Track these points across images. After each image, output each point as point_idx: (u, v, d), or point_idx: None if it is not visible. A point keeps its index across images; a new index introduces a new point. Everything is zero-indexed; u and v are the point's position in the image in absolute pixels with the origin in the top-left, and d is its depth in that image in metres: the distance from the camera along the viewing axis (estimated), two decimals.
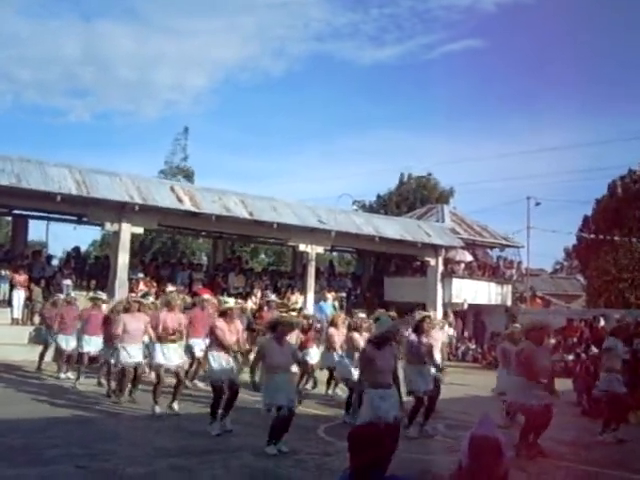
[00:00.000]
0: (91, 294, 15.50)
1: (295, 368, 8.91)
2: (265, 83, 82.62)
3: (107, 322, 12.82)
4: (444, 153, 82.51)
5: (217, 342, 9.64)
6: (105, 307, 14.04)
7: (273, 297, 18.58)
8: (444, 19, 78.74)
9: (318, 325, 17.35)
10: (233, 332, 9.79)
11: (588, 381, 13.01)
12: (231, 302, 11.07)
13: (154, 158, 78.35)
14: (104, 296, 14.87)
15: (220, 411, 9.55)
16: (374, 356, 7.71)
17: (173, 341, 10.87)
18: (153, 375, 11.46)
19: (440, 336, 12.12)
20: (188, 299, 14.11)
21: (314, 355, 13.82)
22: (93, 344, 13.58)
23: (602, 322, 18.69)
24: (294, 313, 13.96)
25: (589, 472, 8.44)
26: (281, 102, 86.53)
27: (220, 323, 9.80)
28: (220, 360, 9.52)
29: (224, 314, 9.97)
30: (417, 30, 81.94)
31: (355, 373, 11.13)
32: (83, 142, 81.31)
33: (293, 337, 11.13)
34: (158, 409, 10.55)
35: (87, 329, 13.69)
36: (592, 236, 35.23)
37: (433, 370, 10.35)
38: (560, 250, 51.92)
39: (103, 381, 13.20)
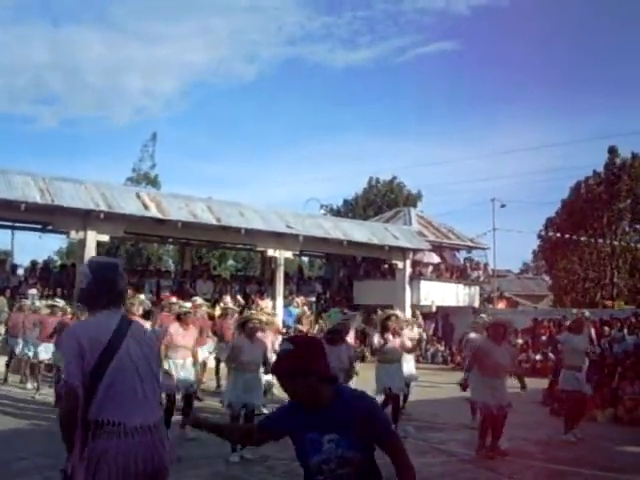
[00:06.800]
0: (49, 301, 15.22)
1: (262, 369, 8.74)
2: (237, 87, 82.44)
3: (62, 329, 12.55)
4: (415, 156, 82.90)
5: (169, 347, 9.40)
6: (61, 314, 13.69)
7: (230, 305, 17.92)
8: (418, 22, 79.07)
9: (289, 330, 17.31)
10: (188, 336, 9.57)
11: (554, 380, 13.11)
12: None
13: (124, 165, 77.35)
14: (61, 303, 14.55)
15: (180, 418, 9.46)
16: (327, 352, 7.64)
17: None
18: None
19: (410, 336, 12.12)
20: (148, 303, 13.80)
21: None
22: (49, 351, 13.29)
23: (567, 322, 18.93)
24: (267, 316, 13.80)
25: (559, 471, 8.49)
26: (252, 107, 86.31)
27: (173, 327, 9.58)
28: (176, 367, 9.35)
29: (179, 318, 9.74)
30: (390, 33, 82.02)
31: None
32: (51, 149, 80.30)
33: (269, 339, 10.99)
34: None
35: (42, 336, 13.47)
36: (555, 235, 35.71)
37: (405, 370, 10.35)
38: (527, 251, 52.58)
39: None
